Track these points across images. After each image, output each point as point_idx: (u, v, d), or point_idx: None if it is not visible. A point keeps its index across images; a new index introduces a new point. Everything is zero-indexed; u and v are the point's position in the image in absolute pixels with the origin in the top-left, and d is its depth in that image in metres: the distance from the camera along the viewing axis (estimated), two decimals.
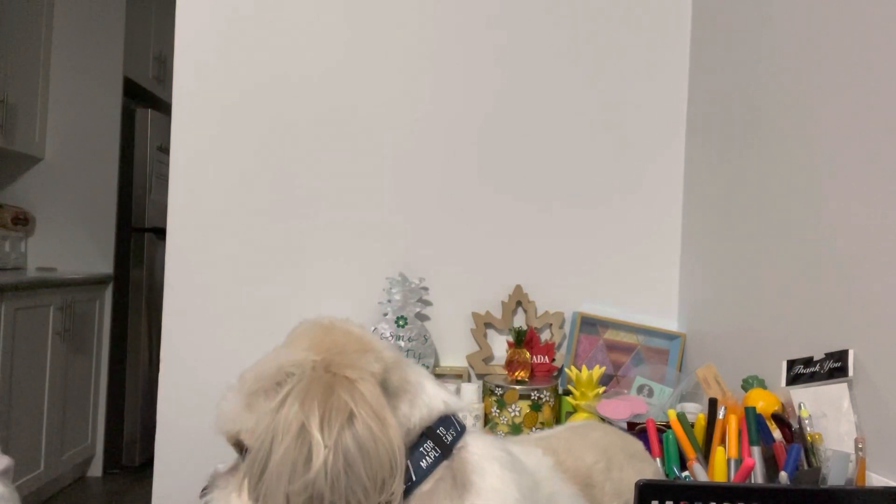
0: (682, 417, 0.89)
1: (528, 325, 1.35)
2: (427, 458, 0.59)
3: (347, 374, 0.58)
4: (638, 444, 0.85)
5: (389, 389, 0.60)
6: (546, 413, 1.23)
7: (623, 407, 1.12)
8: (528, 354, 1.27)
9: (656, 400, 1.21)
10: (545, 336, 1.40)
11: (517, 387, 1.23)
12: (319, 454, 0.55)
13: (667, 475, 0.86)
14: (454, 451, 0.61)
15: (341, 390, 0.57)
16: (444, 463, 0.60)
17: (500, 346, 1.40)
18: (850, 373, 0.85)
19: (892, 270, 0.81)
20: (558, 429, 0.89)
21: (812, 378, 0.91)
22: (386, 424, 0.57)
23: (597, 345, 1.38)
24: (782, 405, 0.95)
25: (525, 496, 0.62)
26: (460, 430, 0.62)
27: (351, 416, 0.56)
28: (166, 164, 3.53)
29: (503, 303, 1.40)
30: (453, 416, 0.63)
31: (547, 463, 0.71)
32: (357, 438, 0.56)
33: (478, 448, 0.63)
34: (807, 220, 0.99)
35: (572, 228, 1.42)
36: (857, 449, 0.80)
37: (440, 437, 0.60)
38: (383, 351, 0.63)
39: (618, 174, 1.43)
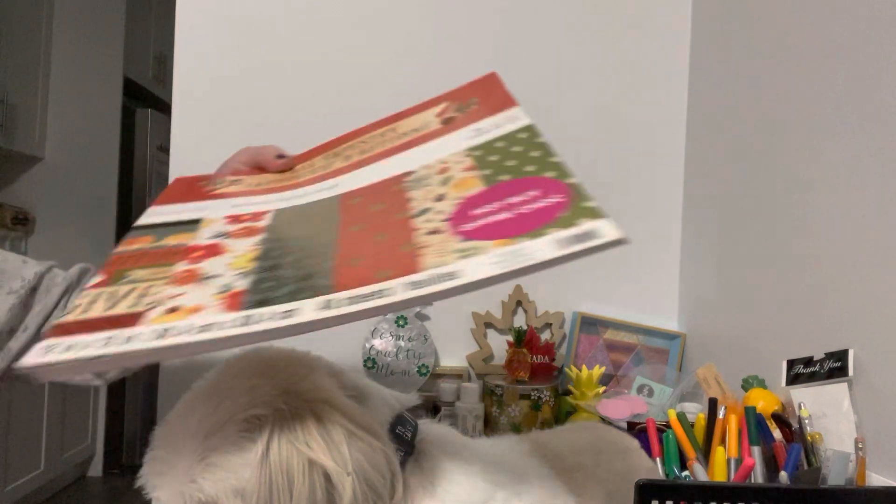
0: (682, 417, 0.89)
1: (528, 325, 1.35)
2: (398, 456, 0.59)
3: (320, 395, 0.55)
4: (634, 442, 0.85)
5: (354, 398, 0.58)
6: (546, 413, 1.23)
7: (623, 407, 1.12)
8: (528, 354, 1.27)
9: (656, 400, 1.21)
10: (545, 336, 1.40)
11: (517, 387, 1.23)
12: (346, 485, 0.52)
13: (667, 475, 0.86)
14: (416, 445, 0.61)
15: (326, 412, 0.54)
16: (411, 459, 0.60)
17: (500, 346, 1.40)
18: (850, 373, 0.85)
19: (892, 270, 0.81)
20: (556, 428, 0.89)
21: (812, 378, 0.91)
22: (375, 433, 0.56)
23: (597, 345, 1.38)
24: (782, 405, 0.95)
25: (487, 472, 0.62)
26: (415, 425, 0.62)
27: (350, 435, 0.53)
28: (166, 164, 3.53)
29: (503, 303, 1.40)
30: (405, 412, 0.62)
31: (519, 448, 0.71)
32: (364, 454, 0.53)
33: (435, 438, 0.63)
34: (807, 220, 0.99)
35: None
36: (857, 449, 0.80)
37: (401, 435, 0.59)
38: (321, 362, 0.60)
39: (617, 173, 1.43)
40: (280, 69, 1.40)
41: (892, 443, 0.80)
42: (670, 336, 1.39)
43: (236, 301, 0.49)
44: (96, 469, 3.31)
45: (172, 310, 0.49)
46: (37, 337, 0.81)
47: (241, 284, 0.51)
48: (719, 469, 0.83)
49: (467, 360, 1.39)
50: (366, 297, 0.47)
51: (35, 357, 0.45)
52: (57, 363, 0.45)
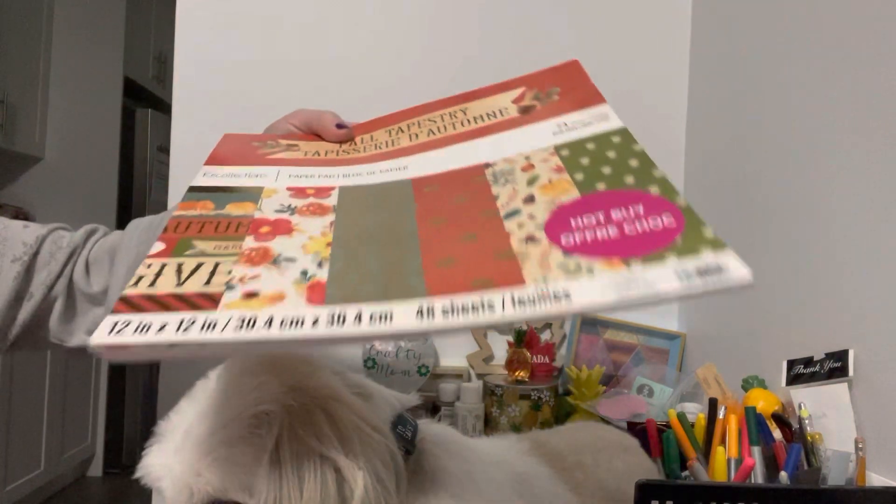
0: (682, 417, 0.89)
1: (528, 325, 1.35)
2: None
3: (328, 391, 0.54)
4: (634, 441, 0.85)
5: (358, 395, 0.58)
6: (546, 413, 1.23)
7: (623, 407, 1.12)
8: (528, 354, 1.27)
9: (656, 400, 1.21)
10: (545, 336, 1.40)
11: (517, 387, 1.23)
12: (358, 479, 0.51)
13: (667, 475, 0.86)
14: (416, 445, 0.60)
15: (336, 409, 0.53)
16: (412, 458, 0.59)
17: (500, 346, 1.40)
18: (850, 373, 0.85)
19: (892, 270, 0.81)
20: (556, 427, 0.89)
21: (812, 378, 0.91)
22: (381, 430, 0.56)
23: (597, 345, 1.38)
24: (782, 405, 0.95)
25: (487, 471, 0.62)
26: (415, 425, 0.62)
27: (359, 431, 0.53)
28: (166, 164, 3.53)
29: None
30: (405, 412, 0.62)
31: (519, 447, 0.70)
32: (374, 450, 0.53)
33: (435, 437, 0.63)
34: (807, 220, 0.99)
35: None
36: (857, 449, 0.80)
37: (401, 434, 0.59)
38: (323, 361, 0.59)
39: None
40: (281, 69, 1.40)
41: (892, 443, 0.80)
42: (670, 336, 1.39)
43: (319, 293, 0.44)
44: (96, 469, 3.30)
45: (250, 295, 0.44)
46: (44, 303, 0.78)
47: (321, 274, 0.46)
48: (719, 469, 0.83)
49: (467, 360, 1.39)
50: (467, 311, 0.41)
51: (104, 336, 0.40)
52: (129, 346, 0.40)
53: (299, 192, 0.57)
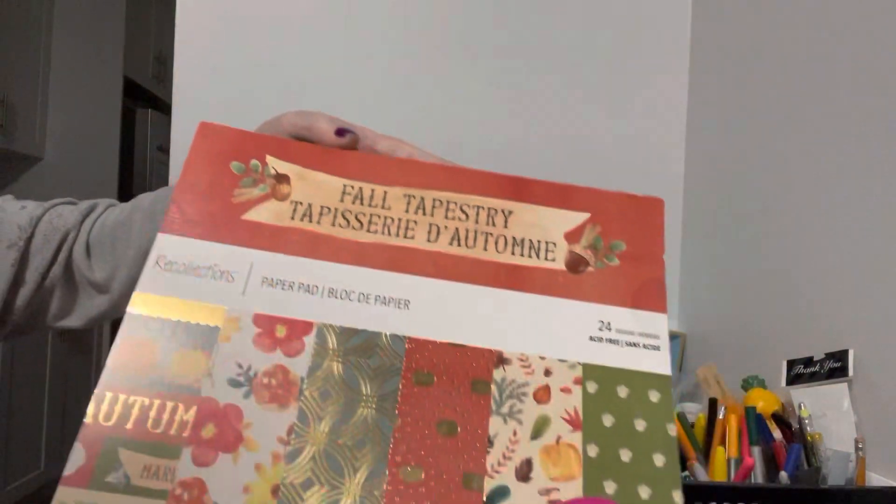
0: (682, 417, 0.89)
1: None
2: None
3: None
4: None
5: None
6: None
7: None
8: None
9: None
10: None
11: None
12: None
13: None
14: None
15: None
16: None
17: None
18: (850, 373, 0.86)
19: (892, 270, 0.81)
20: None
21: (812, 378, 0.91)
22: None
23: None
24: (782, 405, 0.95)
25: None
26: None
27: None
28: (166, 164, 3.53)
29: None
30: None
31: None
32: None
33: None
34: (807, 220, 0.99)
35: None
36: (857, 449, 0.80)
37: None
38: None
39: (618, 172, 1.43)
40: (282, 69, 1.40)
41: (892, 443, 0.80)
42: (670, 336, 1.39)
43: None
44: None
45: None
46: (40, 290, 0.74)
47: None
48: (719, 469, 0.83)
49: None
50: None
51: None
52: None
53: (267, 329, 0.44)
